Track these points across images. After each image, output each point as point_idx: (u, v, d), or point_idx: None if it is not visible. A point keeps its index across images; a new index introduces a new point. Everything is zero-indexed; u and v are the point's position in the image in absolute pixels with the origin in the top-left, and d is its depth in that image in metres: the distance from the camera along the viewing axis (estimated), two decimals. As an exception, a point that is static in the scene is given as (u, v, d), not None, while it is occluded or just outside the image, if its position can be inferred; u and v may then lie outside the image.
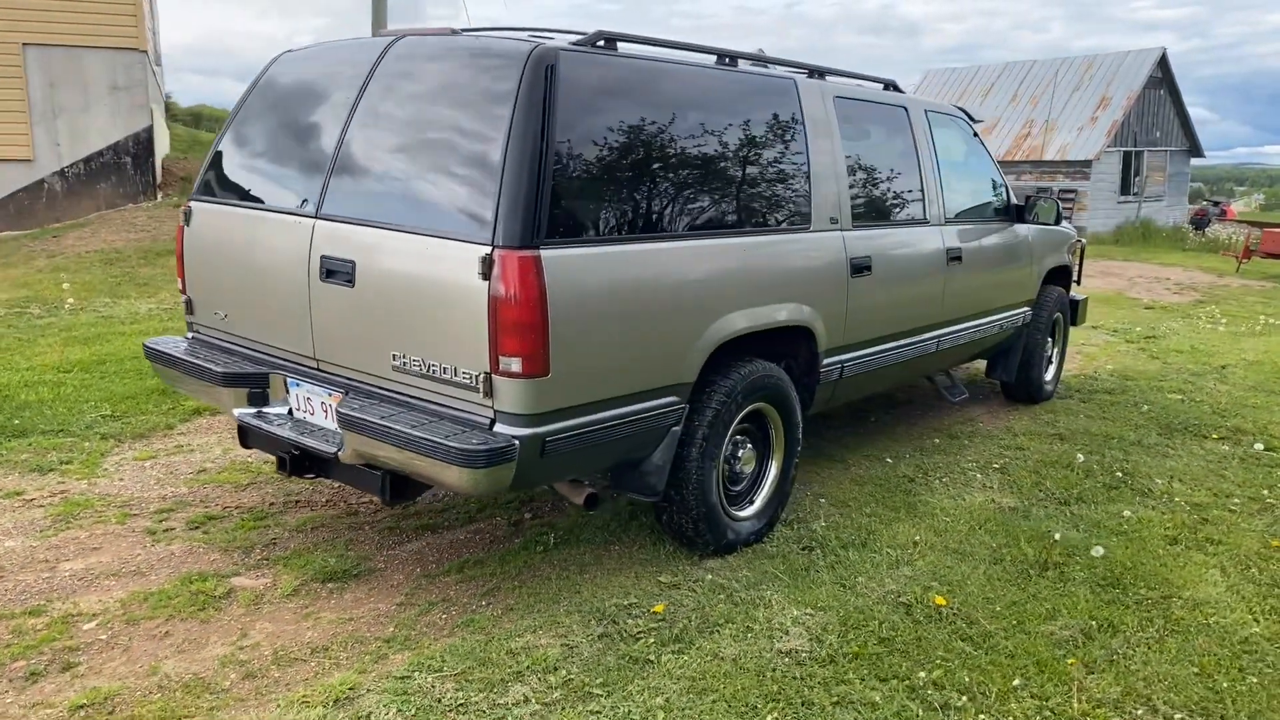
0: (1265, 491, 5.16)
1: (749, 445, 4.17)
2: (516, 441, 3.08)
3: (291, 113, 3.93)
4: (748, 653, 3.27)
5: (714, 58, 4.12)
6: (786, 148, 4.24)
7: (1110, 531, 4.53)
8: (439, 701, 2.91)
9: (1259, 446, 5.96)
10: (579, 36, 3.54)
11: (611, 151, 3.39)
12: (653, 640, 3.32)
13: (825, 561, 4.05)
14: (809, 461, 5.45)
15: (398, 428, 3.14)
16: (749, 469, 4.18)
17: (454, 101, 3.38)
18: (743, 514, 4.18)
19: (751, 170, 4.04)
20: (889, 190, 5.01)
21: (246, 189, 4.00)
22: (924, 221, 5.17)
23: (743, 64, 4.26)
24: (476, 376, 3.13)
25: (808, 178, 4.30)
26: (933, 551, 4.20)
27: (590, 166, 3.31)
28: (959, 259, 5.40)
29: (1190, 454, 5.81)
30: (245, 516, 4.35)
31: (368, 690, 2.96)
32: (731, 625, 3.45)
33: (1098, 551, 4.20)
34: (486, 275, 3.03)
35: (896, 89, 5.31)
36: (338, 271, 3.49)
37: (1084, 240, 7.52)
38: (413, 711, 2.85)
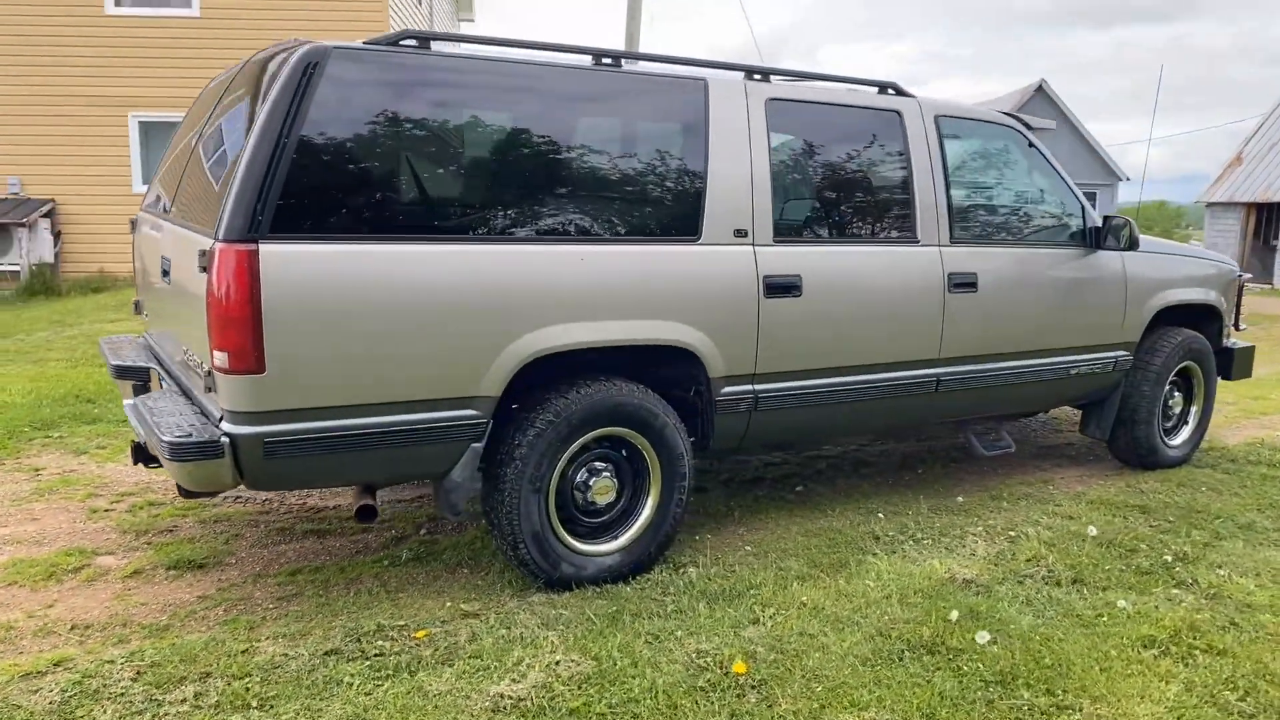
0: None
1: (609, 474, 3.82)
2: (226, 439, 3.05)
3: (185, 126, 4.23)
4: (458, 690, 2.97)
5: (589, 58, 3.87)
6: (668, 152, 3.88)
7: (1075, 622, 3.63)
8: (104, 687, 2.92)
9: None
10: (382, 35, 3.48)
11: (381, 150, 3.29)
12: (375, 664, 3.12)
13: (664, 610, 3.59)
14: (779, 505, 4.89)
15: (141, 420, 3.24)
16: (605, 500, 3.82)
17: (245, 102, 3.46)
18: (598, 549, 3.83)
19: (601, 175, 3.73)
20: (851, 203, 4.41)
21: (156, 197, 4.33)
22: (910, 240, 4.49)
23: (639, 65, 3.97)
24: (206, 371, 3.15)
25: (700, 186, 3.89)
26: (811, 617, 3.59)
27: (349, 165, 3.23)
28: (969, 286, 4.61)
29: (1314, 546, 4.51)
30: (177, 506, 4.66)
31: (61, 668, 3.05)
32: (473, 661, 3.16)
33: (982, 638, 3.37)
34: (205, 268, 3.05)
35: (900, 92, 4.67)
36: (166, 271, 3.68)
37: (1244, 275, 6.12)
38: (72, 693, 2.89)
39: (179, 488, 3.54)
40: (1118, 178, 23.92)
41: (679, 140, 3.92)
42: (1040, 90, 23.30)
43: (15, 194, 14.71)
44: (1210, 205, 28.14)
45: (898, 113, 4.54)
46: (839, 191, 4.43)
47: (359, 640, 3.27)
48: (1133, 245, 5.05)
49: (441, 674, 3.06)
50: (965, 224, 4.72)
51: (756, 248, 4.01)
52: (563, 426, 3.60)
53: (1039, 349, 4.97)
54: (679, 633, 3.40)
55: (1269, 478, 5.62)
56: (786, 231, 4.12)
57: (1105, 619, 3.66)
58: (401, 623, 3.42)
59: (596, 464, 3.80)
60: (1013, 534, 4.55)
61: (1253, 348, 6.17)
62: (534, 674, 3.06)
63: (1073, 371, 5.14)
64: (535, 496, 3.59)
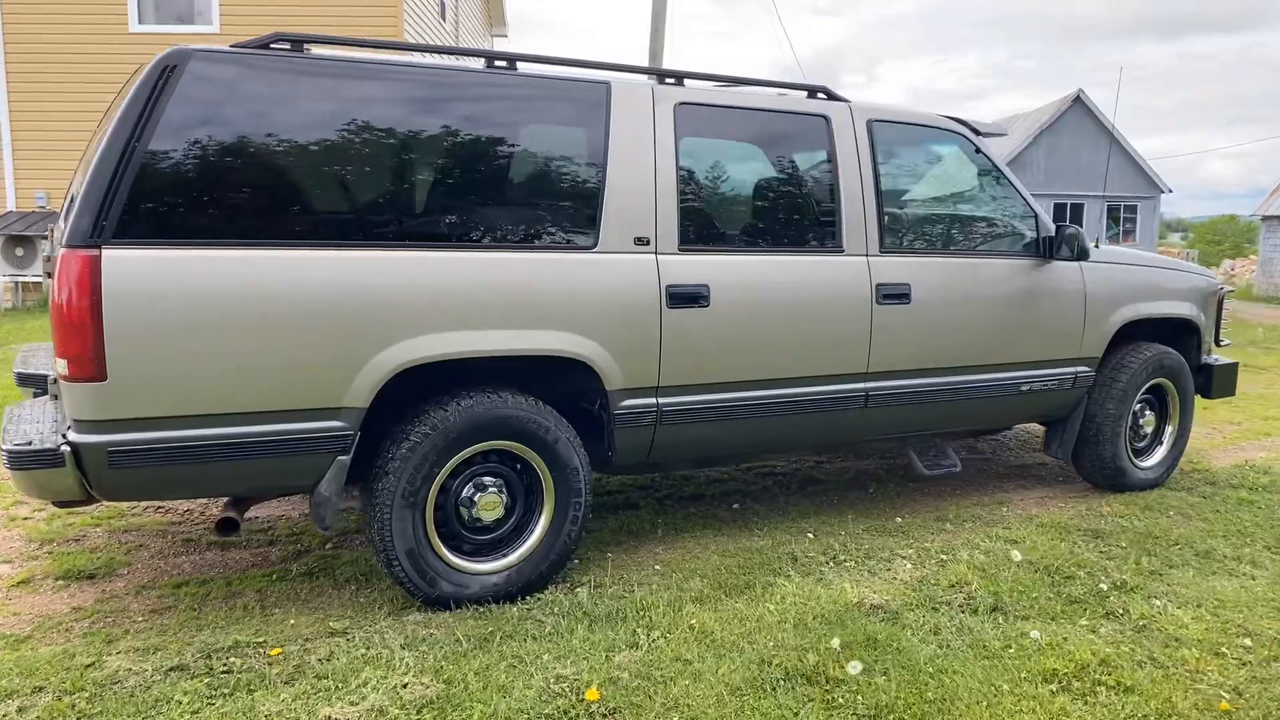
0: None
1: (496, 490, 3.69)
2: (67, 448, 2.99)
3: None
4: (289, 712, 2.86)
5: (481, 61, 3.77)
6: (563, 158, 3.77)
7: (979, 652, 3.41)
8: (-76, 699, 2.87)
9: (1376, 576, 4.19)
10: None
11: (242, 154, 3.22)
12: (215, 682, 3.02)
13: (541, 632, 3.45)
14: (708, 523, 4.72)
15: (3, 427, 3.19)
16: (493, 516, 3.69)
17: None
18: (484, 567, 3.70)
19: (487, 180, 3.63)
20: (767, 211, 4.24)
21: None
22: (834, 250, 4.30)
23: (537, 68, 3.86)
24: (53, 379, 3.10)
25: (597, 192, 3.77)
26: (695, 641, 3.42)
27: (206, 169, 3.16)
28: (901, 297, 4.41)
29: (1274, 578, 4.21)
30: (100, 513, 4.63)
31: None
32: (318, 681, 3.04)
33: (854, 668, 3.17)
34: (51, 274, 3.00)
35: (832, 97, 4.50)
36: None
37: (1225, 288, 5.81)
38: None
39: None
40: (1159, 190, 23.23)
41: (575, 145, 3.80)
42: (1078, 100, 22.74)
43: (42, 207, 15.08)
44: (1266, 219, 27.24)
45: (824, 118, 4.37)
46: (755, 199, 4.26)
47: (209, 657, 3.18)
48: (1082, 255, 4.81)
49: (279, 694, 2.95)
50: (899, 233, 4.52)
51: (660, 256, 3.87)
52: (440, 440, 3.49)
53: (984, 364, 4.74)
54: (546, 656, 3.26)
55: (1245, 502, 5.31)
56: (694, 240, 3.97)
57: (1013, 650, 3.43)
58: (261, 640, 3.32)
59: (485, 479, 3.68)
60: (945, 557, 4.32)
61: (1235, 364, 5.85)
62: (374, 696, 2.94)
63: (1024, 388, 4.89)
64: (410, 512, 3.47)
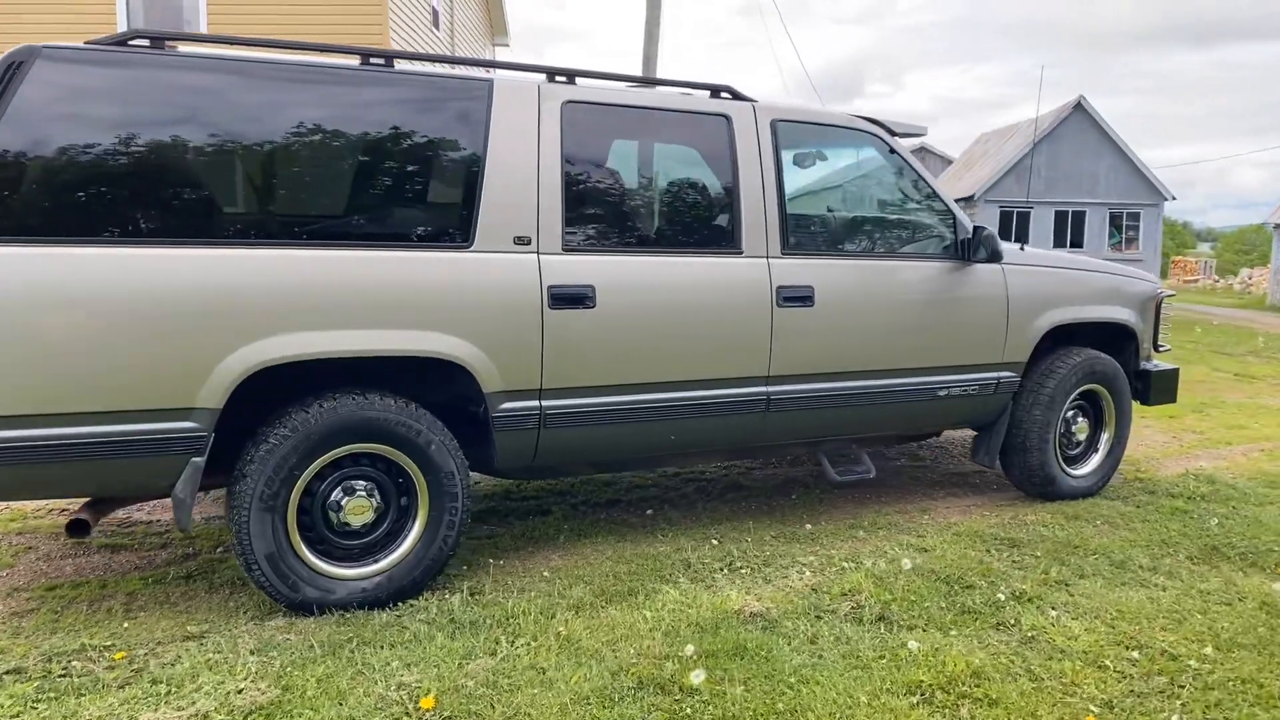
0: (1206, 650, 3.47)
1: (364, 494, 3.62)
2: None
3: None
4: (111, 716, 2.80)
5: (358, 59, 3.73)
6: (439, 157, 3.71)
7: (851, 663, 3.31)
8: None
9: (1286, 588, 4.06)
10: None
11: (90, 150, 3.18)
12: (45, 686, 2.97)
13: (401, 639, 3.38)
14: (616, 529, 4.64)
15: None
16: (361, 521, 3.62)
17: None
18: (354, 572, 3.64)
19: (352, 178, 3.57)
20: (659, 211, 4.17)
21: None
22: (732, 251, 4.22)
23: (415, 66, 3.81)
24: None
25: (474, 191, 3.71)
26: (558, 650, 3.34)
27: (49, 165, 3.13)
28: (804, 300, 4.32)
29: (1184, 590, 4.08)
30: (11, 513, 4.61)
31: None
32: (152, 686, 2.98)
33: (697, 677, 3.08)
34: None
35: (738, 96, 4.43)
36: None
37: (1165, 293, 5.68)
38: None
39: None
40: (1163, 197, 22.94)
41: (452, 144, 3.75)
42: (1079, 107, 22.51)
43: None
44: (1278, 227, 26.89)
45: (725, 117, 4.29)
46: (646, 199, 4.20)
47: (51, 660, 3.13)
48: (994, 257, 4.70)
49: (107, 699, 2.90)
50: (803, 234, 4.44)
51: (542, 256, 3.80)
52: (301, 442, 3.43)
53: (896, 368, 4.64)
54: (395, 663, 3.19)
55: (1179, 512, 5.17)
56: (580, 240, 3.91)
57: (885, 661, 3.34)
58: (110, 644, 3.27)
59: (356, 483, 3.62)
60: (846, 565, 4.22)
61: (1176, 370, 5.71)
62: (204, 702, 2.88)
63: (941, 393, 4.79)
64: (269, 515, 3.41)
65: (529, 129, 3.84)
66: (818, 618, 3.69)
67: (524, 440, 3.87)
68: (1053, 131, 22.54)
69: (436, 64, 4.21)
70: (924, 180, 4.79)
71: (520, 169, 3.79)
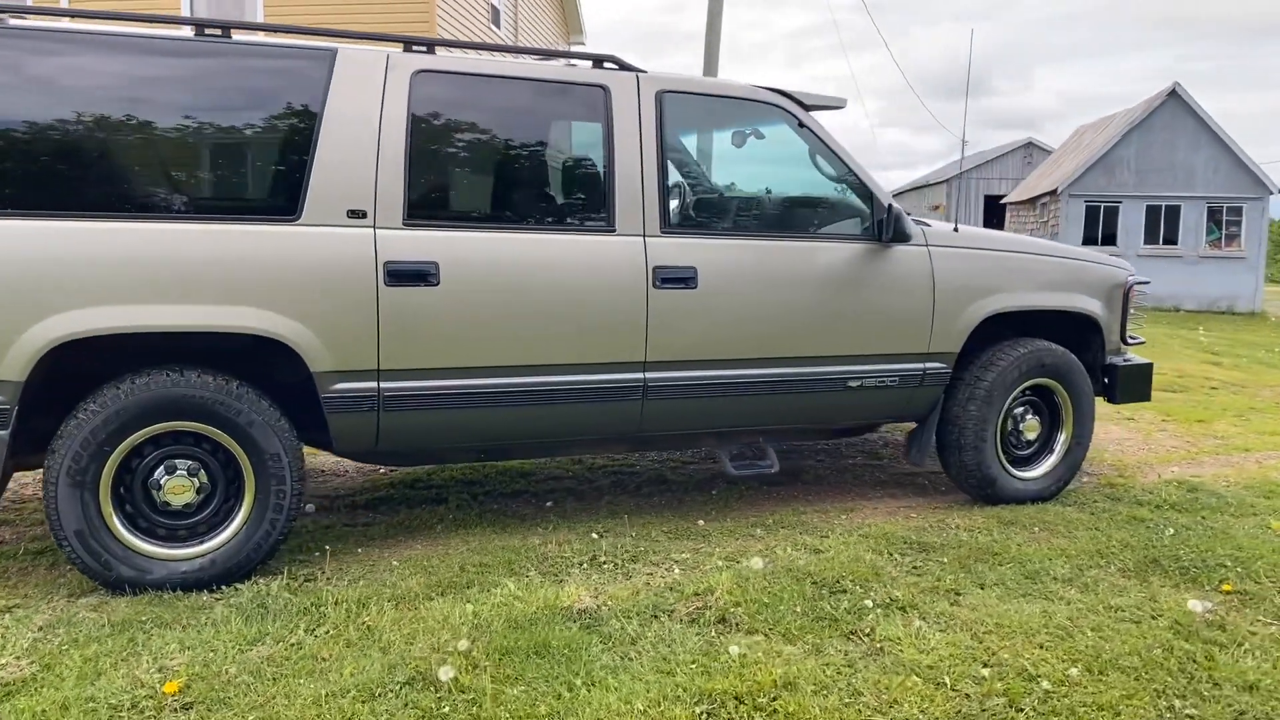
0: (1071, 671, 3.10)
1: (186, 473, 3.54)
2: None
3: None
4: None
5: (191, 29, 3.66)
6: (267, 128, 3.62)
7: (650, 668, 3.06)
8: None
9: (1200, 608, 3.60)
10: None
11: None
12: None
13: (196, 622, 3.28)
14: (503, 520, 4.47)
15: None
16: (181, 500, 3.54)
17: None
18: (176, 553, 3.56)
19: (174, 150, 3.51)
20: (518, 185, 3.98)
21: None
22: (603, 229, 3.99)
23: (254, 36, 3.72)
24: None
25: (303, 164, 3.59)
26: (354, 642, 3.19)
27: None
28: (685, 281, 4.06)
29: (1091, 605, 3.67)
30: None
31: None
32: (-84, 658, 2.96)
33: (445, 674, 2.87)
34: None
35: (624, 67, 4.20)
36: None
37: (1134, 279, 5.15)
38: None
39: None
40: (1269, 190, 21.30)
41: (285, 115, 3.64)
42: (1173, 95, 21.08)
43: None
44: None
45: (603, 88, 4.06)
46: (504, 172, 4.00)
47: None
48: (899, 238, 4.33)
49: None
50: (688, 212, 4.18)
51: (379, 231, 3.66)
52: (112, 418, 3.37)
53: (796, 356, 4.32)
54: (173, 646, 3.09)
55: (1135, 520, 4.68)
56: (425, 214, 3.75)
57: (694, 667, 3.07)
58: (-92, 622, 3.27)
59: (178, 462, 3.54)
60: (720, 564, 3.95)
61: (1148, 366, 5.19)
62: (-44, 681, 2.83)
63: (852, 384, 4.44)
64: (77, 491, 3.36)
65: (371, 100, 3.70)
66: (654, 617, 3.44)
67: (362, 423, 3.73)
68: (1144, 121, 21.22)
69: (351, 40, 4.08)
70: (839, 157, 4.45)
71: (358, 141, 3.66)
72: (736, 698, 2.89)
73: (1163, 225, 21.58)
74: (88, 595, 3.51)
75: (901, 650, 3.23)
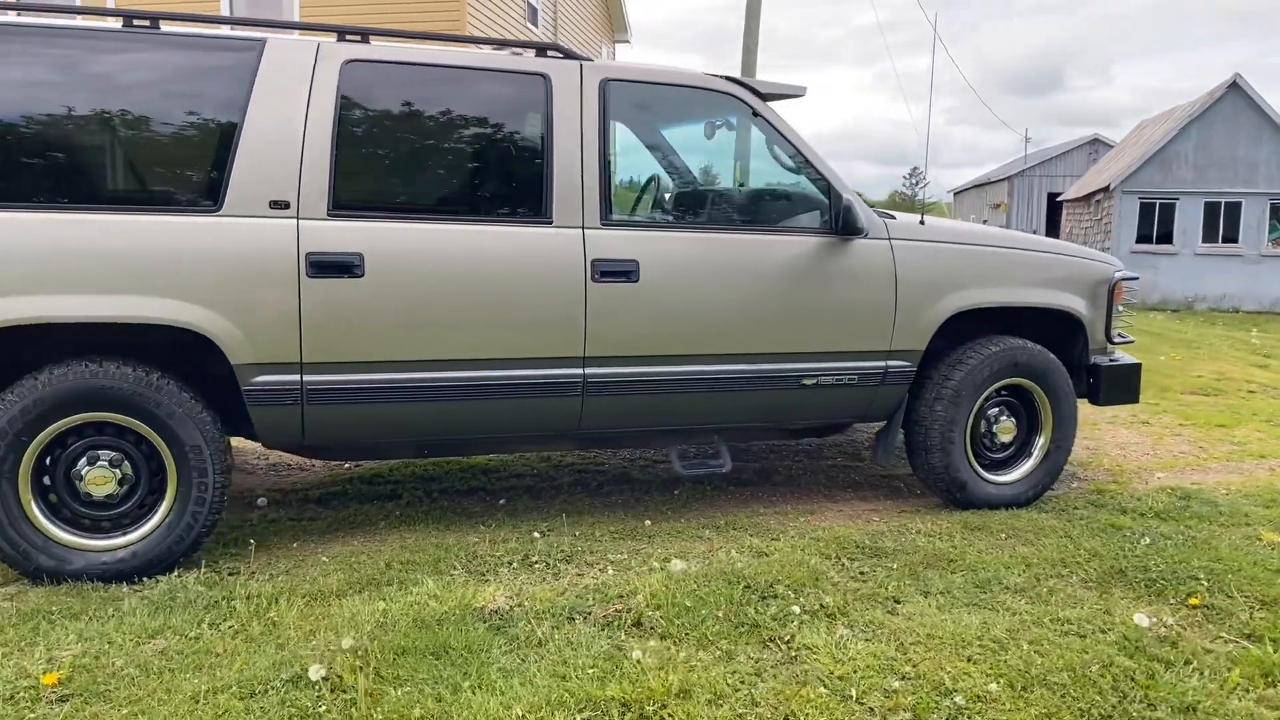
0: (991, 687, 2.92)
1: (109, 465, 3.53)
2: None
3: None
4: None
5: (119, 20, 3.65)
6: (188, 120, 3.60)
7: (549, 672, 2.96)
8: None
9: (1147, 622, 3.39)
10: None
11: None
12: None
13: (103, 614, 3.28)
14: (449, 517, 4.41)
15: None
16: (103, 492, 3.53)
17: None
18: (98, 544, 3.57)
19: (86, 141, 3.50)
20: (451, 176, 3.91)
21: None
22: (540, 220, 3.90)
23: (180, 27, 3.71)
24: None
25: (226, 155, 3.56)
26: (254, 638, 3.15)
27: None
28: (626, 275, 3.95)
29: (1037, 616, 3.47)
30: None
31: None
32: None
33: (316, 673, 2.80)
34: None
35: (570, 56, 4.10)
36: None
37: (1120, 275, 4.89)
38: None
39: None
40: (1340, 185, 20.29)
41: (210, 105, 3.62)
42: (1234, 87, 20.19)
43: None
44: None
45: (543, 76, 3.98)
46: (434, 163, 3.93)
47: None
48: (849, 230, 4.15)
49: None
50: (631, 204, 4.07)
51: (302, 221, 3.62)
52: (30, 408, 3.38)
53: (745, 353, 4.18)
54: (71, 637, 3.09)
55: (1112, 529, 4.44)
56: (351, 205, 3.69)
57: (592, 672, 2.97)
58: None
59: (100, 453, 3.54)
60: (654, 566, 3.83)
61: (1136, 366, 4.93)
62: None
63: (806, 382, 4.29)
64: (-8, 484, 3.38)
65: (299, 90, 3.66)
66: (569, 620, 3.34)
67: (286, 416, 3.69)
68: (1204, 114, 20.38)
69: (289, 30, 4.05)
70: (796, 148, 4.29)
71: (283, 131, 3.62)
72: (624, 704, 2.78)
73: (1222, 223, 20.71)
74: (8, 585, 3.53)
75: (817, 659, 3.09)
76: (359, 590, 3.55)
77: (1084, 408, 7.58)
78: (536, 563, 3.87)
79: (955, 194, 57.26)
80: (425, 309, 3.74)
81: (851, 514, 4.65)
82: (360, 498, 4.77)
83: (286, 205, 3.60)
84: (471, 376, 3.84)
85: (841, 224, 4.10)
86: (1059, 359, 4.71)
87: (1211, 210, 20.91)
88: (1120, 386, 4.84)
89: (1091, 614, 3.49)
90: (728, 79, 4.26)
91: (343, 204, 3.67)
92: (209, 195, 3.54)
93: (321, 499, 4.74)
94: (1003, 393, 4.68)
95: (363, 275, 3.65)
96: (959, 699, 2.87)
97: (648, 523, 4.38)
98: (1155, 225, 21.22)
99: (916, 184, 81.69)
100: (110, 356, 3.51)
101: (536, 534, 4.19)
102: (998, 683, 2.96)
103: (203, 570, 3.66)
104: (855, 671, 3.02)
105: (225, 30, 3.76)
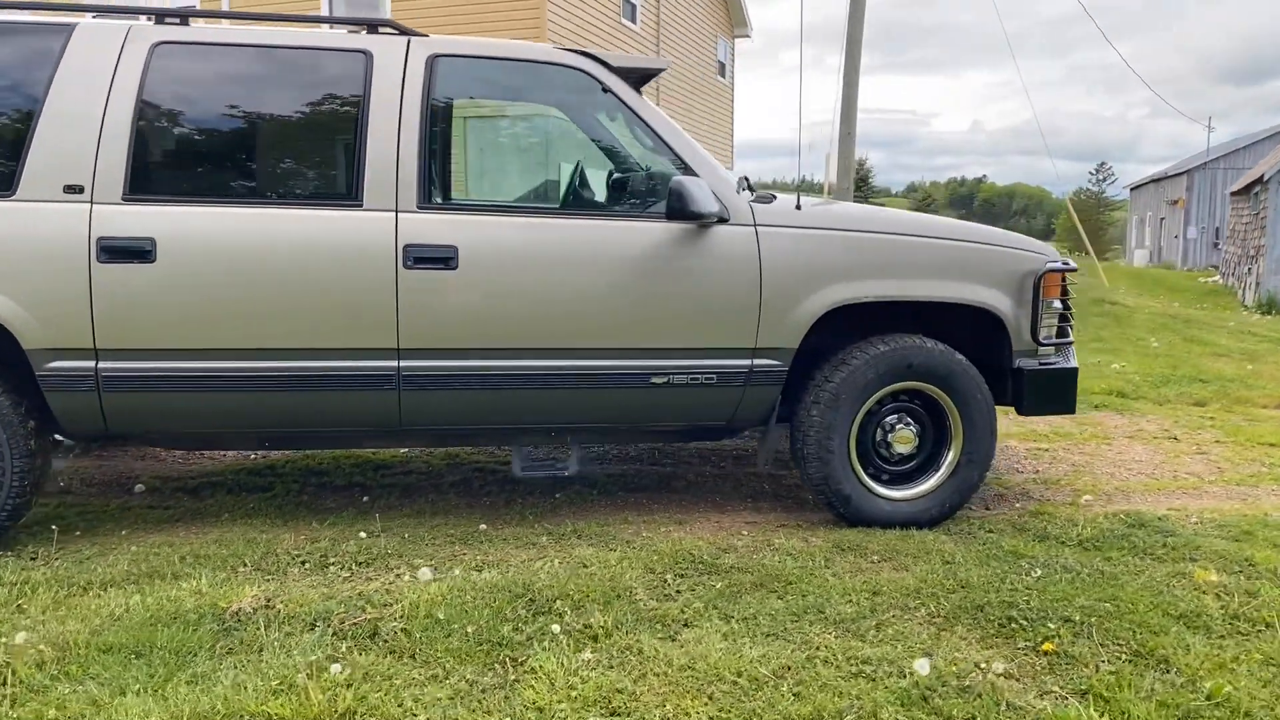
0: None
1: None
2: None
3: None
4: None
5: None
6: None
7: (238, 685, 2.79)
8: None
9: (925, 668, 2.90)
10: None
11: None
12: None
13: None
14: (308, 513, 4.30)
15: None
16: None
17: None
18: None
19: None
20: (250, 158, 3.79)
21: None
22: (349, 203, 3.73)
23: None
24: None
25: (22, 140, 3.57)
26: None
27: None
28: (443, 262, 3.73)
29: (846, 654, 3.05)
30: None
31: None
32: None
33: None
34: None
35: (404, 31, 3.92)
36: None
37: (1055, 265, 4.25)
38: None
39: None
40: None
41: (9, 89, 3.63)
42: None
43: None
44: None
45: (364, 53, 3.81)
46: (243, 145, 3.82)
47: None
48: (676, 215, 3.76)
49: None
50: (454, 187, 3.83)
51: (95, 206, 3.58)
52: None
53: (581, 347, 3.87)
54: None
55: (1010, 556, 3.86)
56: (149, 189, 3.63)
57: (265, 682, 2.77)
58: None
59: (-91, 437, 3.61)
60: (456, 574, 3.60)
61: (1071, 371, 4.29)
62: None
63: (656, 380, 3.94)
64: None
65: (102, 73, 3.63)
66: (309, 627, 3.15)
67: (83, 403, 3.66)
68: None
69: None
70: (651, 126, 3.95)
71: (82, 116, 3.59)
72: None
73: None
74: None
75: (533, 685, 2.80)
76: (130, 583, 3.48)
77: (1106, 420, 6.86)
78: (333, 564, 3.70)
79: (1133, 189, 53.63)
80: (221, 295, 3.63)
81: (725, 526, 4.25)
82: (235, 488, 4.73)
83: (80, 189, 3.56)
84: (275, 367, 3.71)
85: (669, 209, 3.73)
86: (982, 363, 4.16)
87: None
88: (1048, 394, 4.23)
89: (901, 654, 3.03)
90: (578, 53, 3.96)
91: (140, 188, 3.61)
92: (5, 181, 3.54)
93: (197, 489, 4.73)
94: (904, 398, 4.17)
95: (155, 260, 3.57)
96: (645, 741, 2.51)
97: (484, 526, 4.14)
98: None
99: (1103, 180, 77.49)
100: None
101: (364, 533, 4.02)
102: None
103: (6, 555, 3.67)
104: (562, 702, 2.70)
105: (30, 16, 3.76)
